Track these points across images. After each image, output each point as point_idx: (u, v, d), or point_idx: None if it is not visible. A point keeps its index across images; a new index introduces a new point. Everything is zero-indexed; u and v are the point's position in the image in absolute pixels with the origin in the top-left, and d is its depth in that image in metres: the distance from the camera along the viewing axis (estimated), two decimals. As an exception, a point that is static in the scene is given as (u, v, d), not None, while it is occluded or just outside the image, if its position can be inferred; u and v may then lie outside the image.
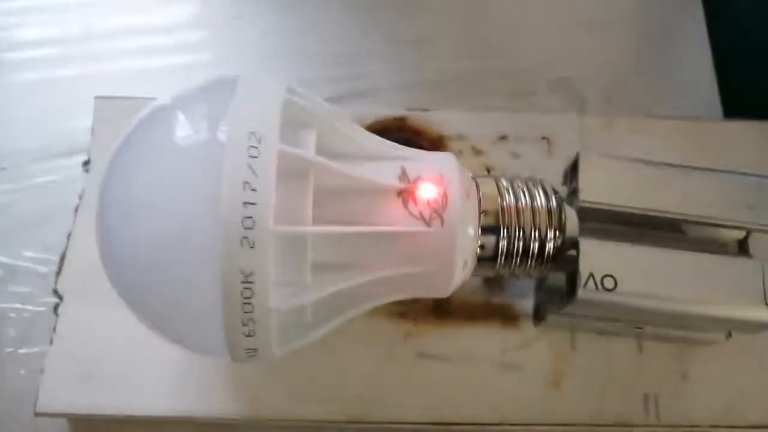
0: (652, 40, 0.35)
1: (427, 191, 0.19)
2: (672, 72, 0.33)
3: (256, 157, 0.16)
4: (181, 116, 0.17)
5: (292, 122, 0.18)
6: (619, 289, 0.20)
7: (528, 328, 0.25)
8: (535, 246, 0.20)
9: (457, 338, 0.25)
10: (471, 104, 0.32)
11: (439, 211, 0.18)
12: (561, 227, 0.21)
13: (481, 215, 0.20)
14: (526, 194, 0.21)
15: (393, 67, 0.33)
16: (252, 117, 0.16)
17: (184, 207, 0.16)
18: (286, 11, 0.35)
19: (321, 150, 0.18)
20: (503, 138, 0.28)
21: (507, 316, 0.25)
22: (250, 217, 0.15)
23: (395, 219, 0.18)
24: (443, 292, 0.20)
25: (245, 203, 0.15)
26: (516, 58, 0.34)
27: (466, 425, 0.24)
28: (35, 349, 0.27)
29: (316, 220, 0.17)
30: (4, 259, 0.28)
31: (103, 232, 0.18)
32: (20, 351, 0.27)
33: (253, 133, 0.16)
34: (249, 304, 0.16)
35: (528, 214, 0.20)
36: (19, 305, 0.27)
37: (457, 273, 0.19)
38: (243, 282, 0.16)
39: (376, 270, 0.18)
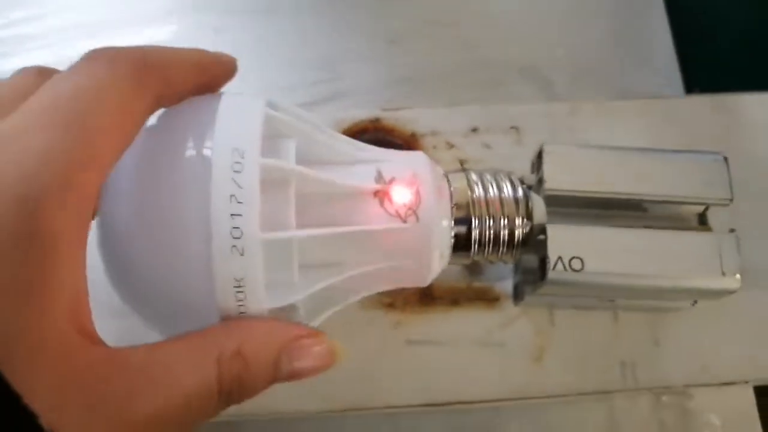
0: (615, 24, 0.36)
1: (401, 191, 0.20)
2: (634, 53, 0.35)
3: (239, 171, 0.17)
4: (168, 136, 0.19)
5: (274, 135, 0.19)
6: (586, 269, 0.22)
7: (509, 308, 0.27)
8: (505, 233, 0.22)
9: (443, 323, 0.27)
10: (445, 97, 0.34)
11: (413, 209, 0.20)
12: (528, 215, 0.22)
13: (453, 209, 0.21)
14: (494, 186, 0.22)
15: (367, 67, 0.35)
16: (234, 134, 0.18)
17: (177, 221, 0.17)
18: (261, 23, 0.36)
19: (301, 159, 0.19)
20: (474, 130, 0.29)
21: (488, 298, 0.27)
22: (238, 228, 0.17)
23: (373, 218, 0.19)
24: (423, 281, 0.21)
25: (233, 215, 0.17)
26: (485, 50, 0.35)
27: (456, 404, 0.26)
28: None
29: (300, 224, 0.18)
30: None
31: (103, 244, 0.19)
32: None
33: (236, 149, 0.17)
34: (243, 305, 0.17)
35: (497, 204, 0.22)
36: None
37: (434, 264, 0.21)
38: (236, 287, 0.17)
39: (358, 266, 0.20)
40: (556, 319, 0.27)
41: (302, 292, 0.19)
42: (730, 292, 0.22)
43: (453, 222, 0.21)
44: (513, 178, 0.23)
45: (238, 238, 0.17)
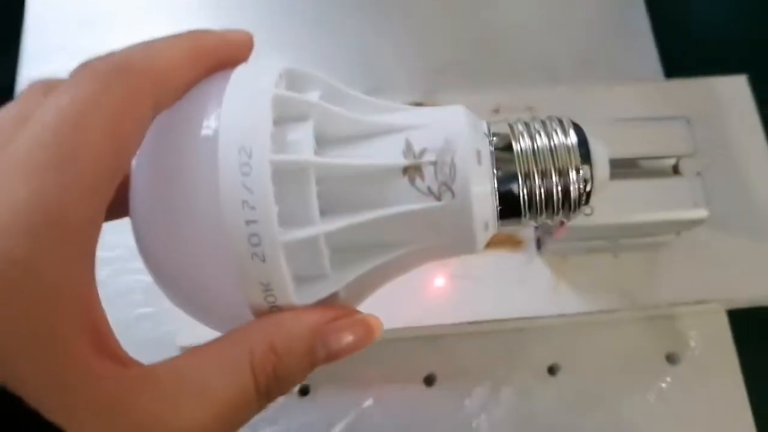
0: (606, 23, 0.43)
1: (433, 166, 0.18)
2: (623, 46, 0.42)
3: (248, 174, 0.16)
4: (173, 138, 0.17)
5: (287, 118, 0.17)
6: (595, 214, 0.29)
7: (531, 250, 0.34)
8: (558, 191, 0.19)
9: (479, 261, 0.34)
10: (469, 85, 0.41)
11: (447, 183, 0.17)
12: (585, 166, 0.19)
13: (496, 171, 0.18)
14: (542, 135, 0.19)
15: (398, 64, 0.42)
16: (240, 129, 0.16)
17: (193, 233, 0.17)
18: (295, 22, 0.43)
19: (320, 138, 0.18)
20: (497, 111, 0.36)
21: (514, 242, 0.34)
22: (255, 234, 0.16)
23: (404, 198, 0.18)
24: (470, 252, 0.19)
25: (247, 222, 0.16)
26: (503, 49, 0.42)
27: (492, 321, 0.33)
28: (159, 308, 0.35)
29: (325, 211, 0.17)
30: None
31: (137, 243, 0.19)
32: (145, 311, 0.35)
33: (242, 148, 0.16)
34: (274, 303, 0.17)
35: (546, 157, 0.18)
36: (142, 277, 0.36)
37: (479, 237, 0.18)
38: (264, 291, 0.17)
39: (394, 249, 0.18)
40: (568, 259, 0.34)
41: (337, 284, 0.18)
42: (700, 221, 0.29)
43: (497, 186, 0.18)
44: (566, 122, 0.19)
45: (257, 245, 0.16)
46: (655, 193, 0.29)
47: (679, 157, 0.30)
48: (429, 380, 0.34)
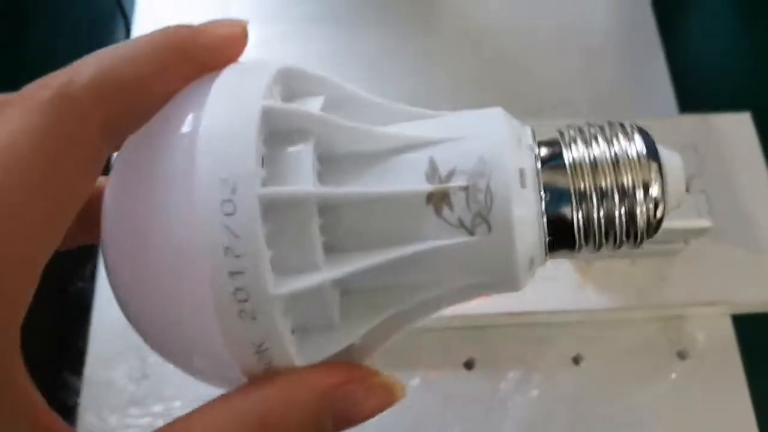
0: (623, 64, 0.50)
1: (464, 192, 0.14)
2: (639, 84, 0.48)
3: (232, 213, 0.13)
4: (144, 170, 0.14)
5: (281, 134, 0.14)
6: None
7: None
8: (623, 214, 0.15)
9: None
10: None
11: (482, 214, 0.14)
12: (656, 182, 0.15)
13: (544, 195, 0.15)
14: (602, 142, 0.15)
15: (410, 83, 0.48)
16: (222, 156, 0.13)
17: (174, 288, 0.14)
18: (307, 35, 0.50)
19: (326, 157, 0.15)
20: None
21: (546, 248, 0.40)
22: (242, 289, 0.13)
23: (429, 232, 0.15)
24: (513, 290, 0.16)
25: (232, 273, 0.13)
26: (520, 82, 0.48)
27: (524, 314, 0.38)
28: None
29: (332, 250, 0.14)
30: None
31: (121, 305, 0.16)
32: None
33: (224, 180, 0.13)
34: (269, 365, 0.14)
35: (606, 171, 0.15)
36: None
37: (523, 276, 0.15)
38: (256, 353, 0.14)
39: (419, 291, 0.15)
40: (593, 263, 0.40)
41: (349, 337, 0.15)
42: (704, 230, 0.35)
43: (545, 212, 0.15)
44: (629, 126, 0.16)
45: (245, 300, 0.13)
46: (667, 207, 0.35)
47: (688, 177, 0.36)
48: (469, 365, 0.39)
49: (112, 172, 0.15)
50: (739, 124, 0.43)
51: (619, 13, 0.52)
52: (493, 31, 0.50)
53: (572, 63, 0.49)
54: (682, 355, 0.40)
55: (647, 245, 0.31)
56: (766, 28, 0.52)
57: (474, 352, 0.40)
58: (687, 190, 0.36)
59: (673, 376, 0.39)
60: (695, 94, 0.48)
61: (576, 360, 0.39)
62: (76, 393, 0.38)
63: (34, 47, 0.50)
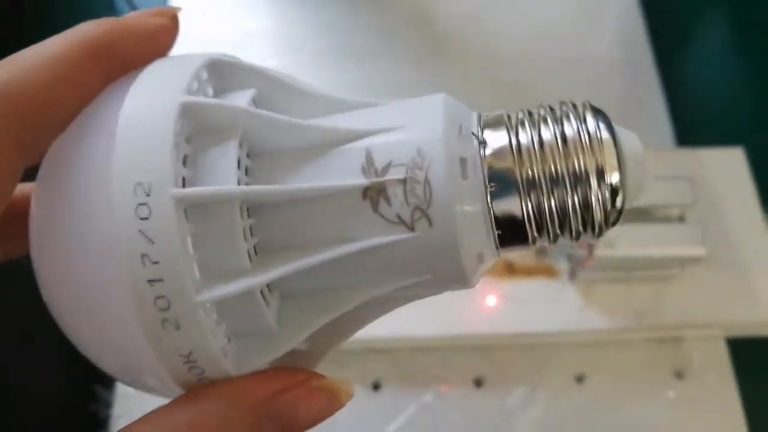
0: (620, 96, 0.53)
1: (401, 186, 0.13)
2: (637, 116, 0.51)
3: (146, 218, 0.12)
4: (64, 182, 0.14)
5: (205, 130, 0.14)
6: (616, 247, 0.37)
7: (564, 279, 0.42)
8: (576, 202, 0.14)
9: (521, 286, 0.42)
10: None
11: (422, 208, 0.13)
12: (611, 165, 0.14)
13: (491, 185, 0.14)
14: (552, 124, 0.14)
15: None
16: (136, 157, 0.13)
17: (95, 297, 0.13)
18: (312, 63, 0.53)
19: (256, 153, 0.14)
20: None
21: (550, 272, 0.43)
22: (162, 296, 0.12)
23: (366, 229, 0.14)
24: (465, 287, 0.15)
25: (150, 281, 0.12)
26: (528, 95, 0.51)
27: (530, 335, 0.41)
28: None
29: (264, 251, 0.14)
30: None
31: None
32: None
33: (138, 184, 0.12)
34: (202, 376, 0.13)
35: (555, 155, 0.14)
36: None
37: (471, 271, 0.14)
38: (186, 363, 0.13)
39: (364, 290, 0.14)
40: (594, 287, 0.42)
41: (288, 343, 0.14)
42: (699, 257, 0.37)
43: (491, 205, 0.14)
44: (581, 105, 0.14)
45: (166, 309, 0.13)
46: (665, 235, 0.38)
47: (683, 207, 0.38)
48: (478, 382, 0.42)
49: (38, 179, 0.15)
50: (732, 158, 0.46)
51: (617, 45, 0.55)
52: (495, 60, 0.54)
53: (570, 94, 0.52)
54: (679, 375, 0.42)
55: (646, 271, 0.35)
56: (764, 62, 0.55)
57: (484, 370, 0.42)
58: (683, 219, 0.39)
59: (671, 394, 0.41)
60: (692, 126, 0.51)
61: (579, 379, 0.42)
62: (107, 405, 0.41)
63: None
